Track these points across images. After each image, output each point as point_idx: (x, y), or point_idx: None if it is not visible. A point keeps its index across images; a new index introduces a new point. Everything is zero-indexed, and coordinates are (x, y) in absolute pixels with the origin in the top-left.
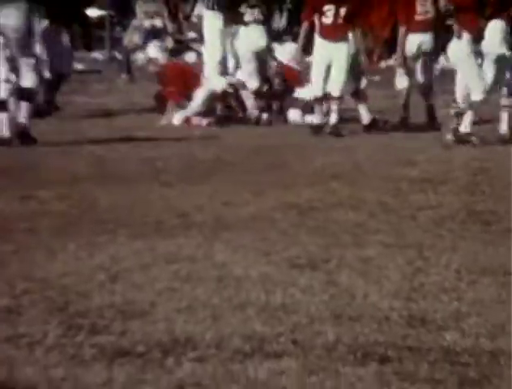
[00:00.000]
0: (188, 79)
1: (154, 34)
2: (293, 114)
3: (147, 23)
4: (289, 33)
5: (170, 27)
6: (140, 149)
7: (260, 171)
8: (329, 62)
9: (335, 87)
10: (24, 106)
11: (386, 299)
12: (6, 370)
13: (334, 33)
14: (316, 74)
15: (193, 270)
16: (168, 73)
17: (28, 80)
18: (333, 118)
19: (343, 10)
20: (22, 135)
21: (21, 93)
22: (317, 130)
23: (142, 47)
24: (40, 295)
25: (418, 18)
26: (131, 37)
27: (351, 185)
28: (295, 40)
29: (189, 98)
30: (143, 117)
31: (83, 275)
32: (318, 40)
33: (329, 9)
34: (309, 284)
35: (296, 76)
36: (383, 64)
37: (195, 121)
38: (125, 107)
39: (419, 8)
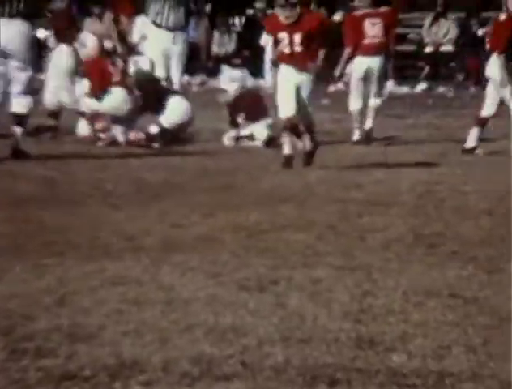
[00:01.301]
0: None
1: None
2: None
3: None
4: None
5: (119, 48)
6: (89, 170)
7: (208, 193)
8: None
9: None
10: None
11: (335, 321)
12: None
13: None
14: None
15: (140, 292)
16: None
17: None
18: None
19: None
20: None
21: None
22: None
23: None
24: None
25: (366, 41)
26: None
27: (300, 207)
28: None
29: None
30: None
31: (30, 297)
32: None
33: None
34: (258, 306)
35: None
36: (331, 88)
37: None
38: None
39: (367, 32)
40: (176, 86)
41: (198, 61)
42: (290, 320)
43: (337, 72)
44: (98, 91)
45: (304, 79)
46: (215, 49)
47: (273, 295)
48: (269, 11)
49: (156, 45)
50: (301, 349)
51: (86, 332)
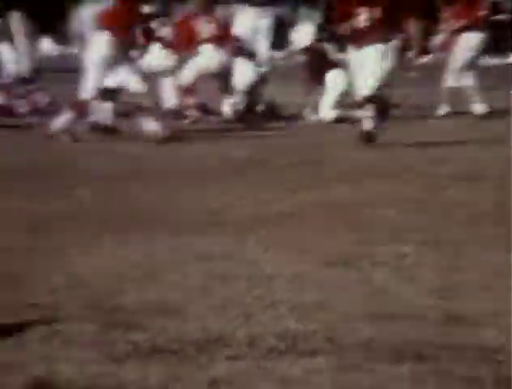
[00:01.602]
0: None
1: None
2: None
3: None
4: None
5: None
6: (175, 147)
7: (293, 169)
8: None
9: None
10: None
11: (421, 297)
12: (43, 367)
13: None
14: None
15: (225, 268)
16: None
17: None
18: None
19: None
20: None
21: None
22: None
23: None
24: (76, 291)
25: (479, 14)
26: None
27: (384, 181)
28: None
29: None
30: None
31: (118, 271)
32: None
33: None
34: (342, 282)
35: None
36: (421, 59)
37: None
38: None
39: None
40: (263, 59)
41: (283, 35)
42: (375, 296)
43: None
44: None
45: (374, 53)
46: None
47: (358, 271)
48: None
49: (244, 21)
50: (387, 325)
51: (173, 307)
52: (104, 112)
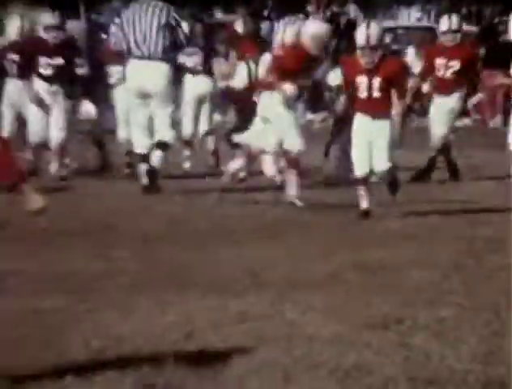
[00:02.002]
0: None
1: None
2: None
3: (221, 84)
4: None
5: None
6: (212, 207)
7: (331, 230)
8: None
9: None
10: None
11: (463, 362)
12: None
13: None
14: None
15: (264, 329)
16: None
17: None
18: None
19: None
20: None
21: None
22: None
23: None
24: (115, 354)
25: None
26: None
27: (423, 244)
28: None
29: None
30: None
31: (157, 333)
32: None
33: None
34: (382, 345)
35: None
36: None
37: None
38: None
39: None
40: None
41: (320, 98)
42: (415, 360)
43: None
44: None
45: (381, 127)
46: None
47: (397, 334)
48: (394, 46)
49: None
50: None
51: (212, 368)
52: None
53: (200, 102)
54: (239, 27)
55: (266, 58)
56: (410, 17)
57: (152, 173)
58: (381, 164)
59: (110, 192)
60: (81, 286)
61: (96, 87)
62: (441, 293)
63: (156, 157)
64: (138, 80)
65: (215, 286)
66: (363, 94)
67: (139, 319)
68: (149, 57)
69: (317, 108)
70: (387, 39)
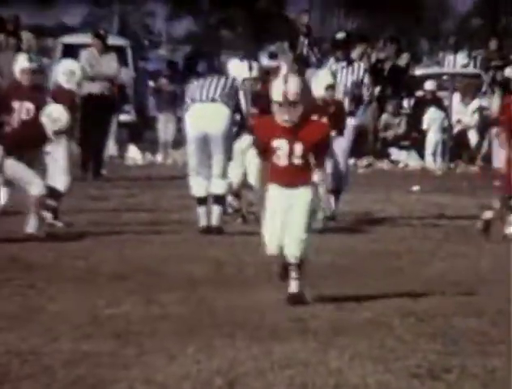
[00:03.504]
0: None
1: None
2: None
3: None
4: None
5: None
6: (255, 251)
7: (376, 276)
8: None
9: None
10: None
11: None
12: None
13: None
14: None
15: (308, 376)
16: None
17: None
18: None
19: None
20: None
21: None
22: None
23: None
24: None
25: None
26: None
27: (470, 291)
28: None
29: None
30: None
31: (202, 378)
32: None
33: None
34: None
35: None
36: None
37: None
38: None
39: None
40: (341, 170)
41: (365, 143)
42: None
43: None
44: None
45: (301, 197)
46: (383, 131)
47: (445, 383)
48: (439, 92)
49: None
50: None
51: None
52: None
53: None
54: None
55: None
56: (456, 63)
57: (219, 230)
58: (293, 238)
59: (157, 240)
60: (128, 330)
61: (143, 134)
62: (490, 342)
63: (215, 214)
64: (198, 123)
65: (260, 331)
66: (280, 161)
67: (185, 363)
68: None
69: (361, 153)
70: (432, 85)
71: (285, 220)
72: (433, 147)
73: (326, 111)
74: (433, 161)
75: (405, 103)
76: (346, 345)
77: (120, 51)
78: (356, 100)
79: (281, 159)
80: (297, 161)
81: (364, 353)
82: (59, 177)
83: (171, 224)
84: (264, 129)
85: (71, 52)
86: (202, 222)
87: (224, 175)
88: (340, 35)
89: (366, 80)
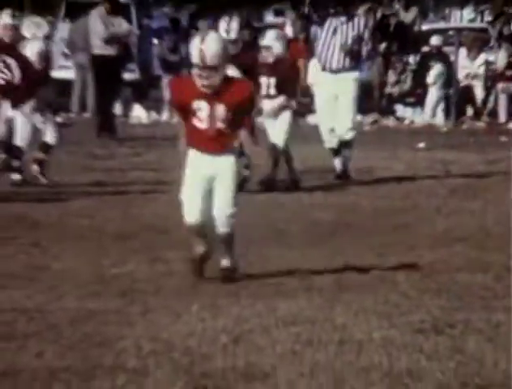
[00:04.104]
0: None
1: None
2: None
3: None
4: None
5: None
6: (260, 211)
7: (381, 232)
8: None
9: None
10: None
11: None
12: None
13: None
14: None
15: (314, 332)
16: None
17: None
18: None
19: None
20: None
21: None
22: None
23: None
24: (166, 356)
25: None
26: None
27: (476, 247)
28: None
29: None
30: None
31: (207, 336)
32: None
33: None
34: (434, 350)
35: None
36: None
37: None
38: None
39: None
40: (348, 127)
41: (371, 100)
42: (468, 365)
43: None
44: None
45: (224, 166)
46: (388, 87)
47: (450, 338)
48: (445, 48)
49: (322, 88)
50: None
51: (261, 372)
52: None
53: None
54: (289, 29)
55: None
56: (462, 18)
57: None
58: (221, 213)
59: (161, 198)
60: (134, 288)
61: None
62: (495, 297)
63: None
64: None
65: (264, 289)
66: (201, 124)
67: (190, 321)
68: None
69: (367, 109)
70: (437, 41)
71: (208, 189)
72: (435, 103)
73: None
74: (432, 117)
75: (411, 59)
76: (351, 301)
77: (124, 9)
78: (355, 55)
79: (202, 122)
80: (220, 125)
81: (369, 309)
82: (48, 130)
83: (176, 183)
84: (182, 88)
85: (75, 10)
86: None
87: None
88: None
89: (366, 35)
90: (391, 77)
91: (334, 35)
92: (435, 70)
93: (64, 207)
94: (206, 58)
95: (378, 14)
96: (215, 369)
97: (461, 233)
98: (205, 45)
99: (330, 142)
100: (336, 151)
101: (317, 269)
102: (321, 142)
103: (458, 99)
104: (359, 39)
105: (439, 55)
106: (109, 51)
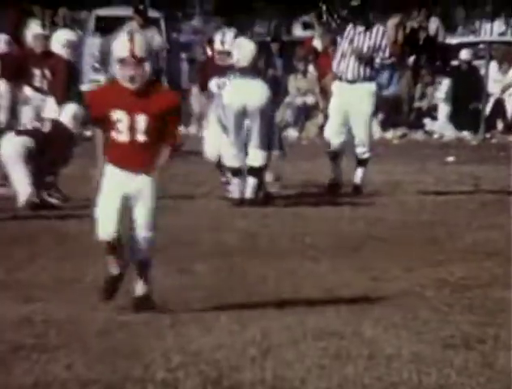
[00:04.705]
0: None
1: (305, 111)
2: None
3: (298, 100)
4: None
5: (322, 104)
6: (290, 223)
7: (409, 246)
8: None
9: None
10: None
11: None
12: None
13: None
14: None
15: (342, 347)
16: None
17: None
18: None
19: None
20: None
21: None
22: None
23: (293, 124)
24: (195, 368)
25: None
26: (283, 114)
27: (506, 262)
28: None
29: None
30: (293, 195)
31: (236, 349)
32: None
33: None
34: (464, 365)
35: None
36: None
37: None
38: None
39: None
40: (363, 143)
41: (400, 114)
42: (498, 380)
43: None
44: None
45: (144, 186)
46: (417, 101)
47: (480, 354)
48: (475, 62)
49: (337, 98)
50: None
51: (289, 386)
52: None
53: None
54: (317, 43)
55: None
56: (492, 31)
57: (253, 202)
58: (139, 237)
59: (189, 210)
60: (162, 300)
61: None
62: None
63: (250, 186)
64: (238, 96)
65: (292, 302)
66: (121, 137)
67: (219, 334)
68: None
69: (396, 123)
70: (467, 55)
71: (125, 207)
72: (446, 118)
73: None
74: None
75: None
76: (379, 316)
77: (153, 23)
78: (369, 64)
79: (121, 134)
80: (141, 138)
81: (398, 324)
82: None
83: (204, 196)
84: (101, 98)
85: (104, 24)
86: (236, 194)
87: (260, 147)
88: (355, 1)
89: (383, 44)
90: (420, 91)
91: (351, 44)
92: (444, 86)
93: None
94: (135, 49)
95: (407, 29)
96: (244, 381)
97: (490, 248)
98: (134, 38)
99: (333, 145)
100: (334, 156)
101: (345, 282)
102: (348, 156)
103: (488, 113)
104: (375, 48)
105: (469, 69)
106: None
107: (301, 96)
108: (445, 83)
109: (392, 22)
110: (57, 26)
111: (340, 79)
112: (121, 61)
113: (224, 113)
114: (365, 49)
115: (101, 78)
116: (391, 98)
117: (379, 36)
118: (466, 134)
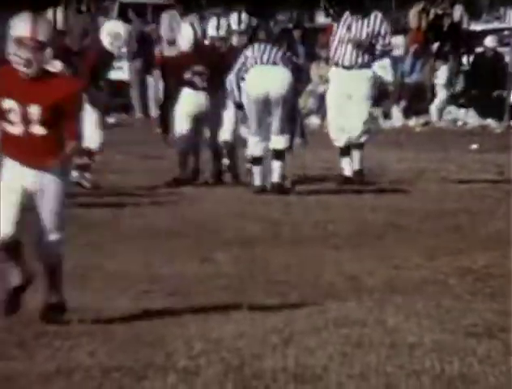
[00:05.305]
0: None
1: None
2: None
3: (321, 88)
4: None
5: None
6: (312, 212)
7: (432, 235)
8: None
9: None
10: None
11: None
12: None
13: None
14: None
15: (364, 334)
16: None
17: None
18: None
19: None
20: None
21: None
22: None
23: (316, 112)
24: (217, 356)
25: None
26: (306, 102)
27: None
28: None
29: None
30: (314, 182)
31: (257, 337)
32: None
33: None
34: (487, 354)
35: None
36: None
37: None
38: (297, 172)
39: None
40: (360, 129)
41: (423, 101)
42: None
43: None
44: None
45: (47, 183)
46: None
47: (502, 342)
48: (500, 49)
49: (334, 85)
50: None
51: (311, 373)
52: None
53: None
54: None
55: None
56: None
57: (280, 187)
58: (45, 240)
59: (212, 198)
60: (185, 288)
61: None
62: None
63: (276, 170)
64: (261, 85)
65: (314, 290)
66: (14, 129)
67: (241, 322)
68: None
69: (419, 111)
70: (492, 42)
71: (25, 205)
72: (441, 104)
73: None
74: (438, 119)
75: (464, 60)
76: (401, 304)
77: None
78: (368, 51)
79: (14, 126)
80: (37, 130)
81: (421, 312)
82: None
83: (226, 184)
84: None
85: (127, 11)
86: (257, 182)
87: (283, 131)
88: None
89: (383, 30)
90: (443, 78)
91: (348, 31)
92: (443, 71)
93: (117, 207)
94: (37, 30)
95: (431, 15)
96: (266, 369)
97: None
98: (38, 21)
99: (339, 141)
100: (344, 151)
101: (367, 271)
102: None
103: None
104: (374, 35)
105: (494, 56)
106: (174, 53)
107: (324, 84)
108: (443, 69)
109: (416, 9)
110: (82, 13)
111: (337, 64)
112: (19, 41)
113: (247, 101)
114: (364, 36)
115: (122, 65)
116: (414, 85)
117: (377, 23)
118: (490, 121)
